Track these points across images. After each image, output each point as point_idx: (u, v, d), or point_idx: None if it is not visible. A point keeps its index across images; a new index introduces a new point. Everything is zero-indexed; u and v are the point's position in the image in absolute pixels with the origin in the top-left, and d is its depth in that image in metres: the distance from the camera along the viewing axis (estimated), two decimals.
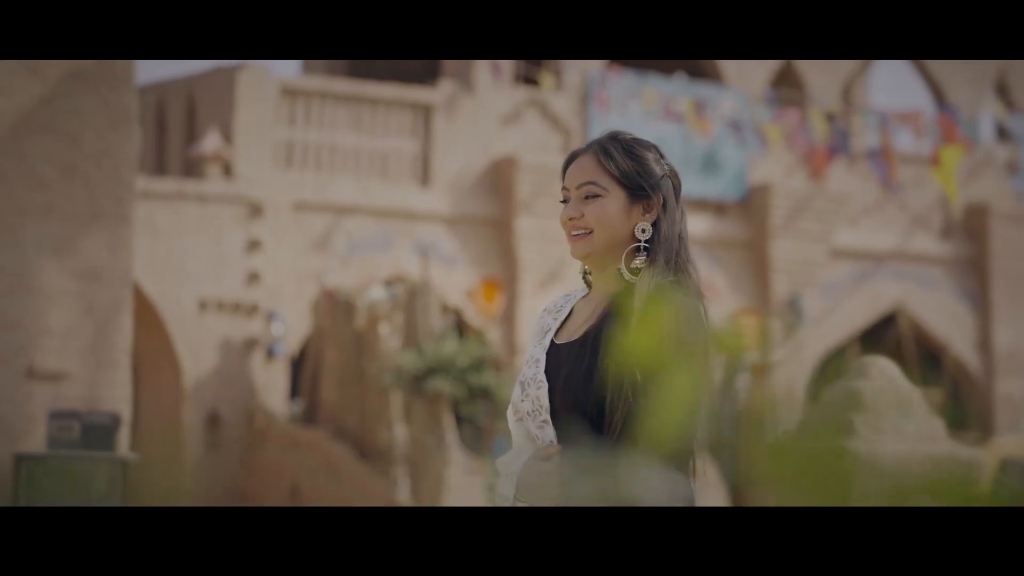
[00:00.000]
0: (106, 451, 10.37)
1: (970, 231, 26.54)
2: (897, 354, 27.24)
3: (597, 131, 23.20)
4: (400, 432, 17.96)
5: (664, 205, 3.62)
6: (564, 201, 3.66)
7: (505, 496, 3.59)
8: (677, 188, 3.67)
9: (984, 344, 26.59)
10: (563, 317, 3.70)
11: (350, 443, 18.64)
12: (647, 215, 3.61)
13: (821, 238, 24.79)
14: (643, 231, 3.59)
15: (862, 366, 6.88)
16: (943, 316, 26.41)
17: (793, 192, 24.54)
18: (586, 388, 3.48)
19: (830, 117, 22.95)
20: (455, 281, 22.07)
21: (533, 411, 3.57)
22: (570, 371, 3.53)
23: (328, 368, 19.76)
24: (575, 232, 3.61)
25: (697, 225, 24.20)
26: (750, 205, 24.71)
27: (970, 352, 26.45)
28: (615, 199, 3.59)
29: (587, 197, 3.60)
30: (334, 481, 18.32)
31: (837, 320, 25.60)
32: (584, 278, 3.72)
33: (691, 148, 24.20)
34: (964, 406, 26.55)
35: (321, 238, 21.44)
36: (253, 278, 20.61)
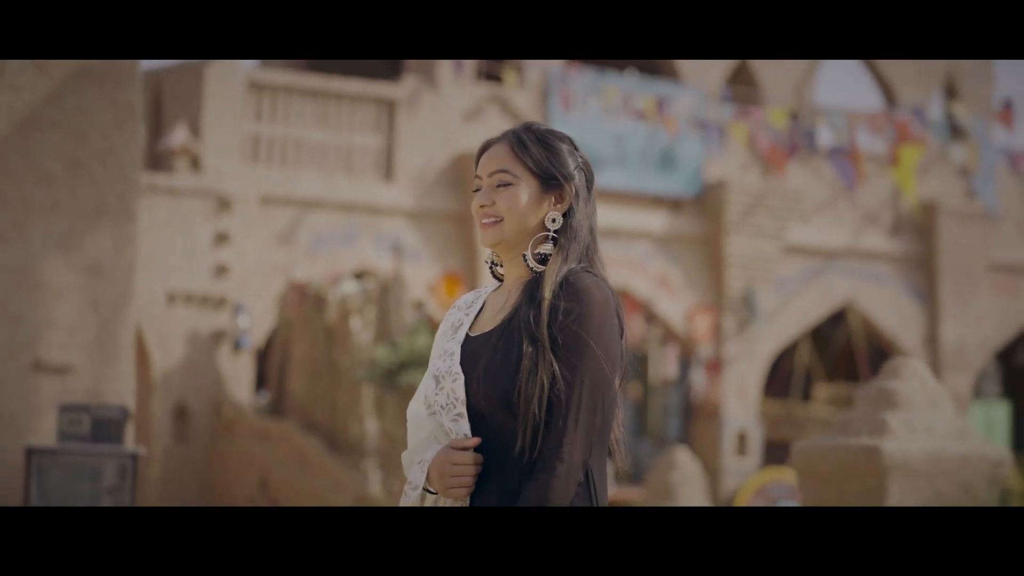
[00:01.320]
0: (115, 444, 10.49)
1: (919, 228, 26.93)
2: (847, 349, 27.68)
3: (557, 127, 23.41)
4: (371, 426, 18.10)
5: (576, 196, 3.60)
6: (477, 190, 3.64)
7: (415, 484, 3.56)
8: (590, 181, 3.66)
9: (931, 340, 27.00)
10: (475, 312, 3.68)
11: (320, 436, 18.76)
12: (558, 205, 3.59)
13: (775, 234, 25.10)
14: (553, 221, 3.58)
15: (895, 367, 7.09)
16: (892, 312, 26.80)
17: (748, 189, 24.82)
18: (515, 377, 3.44)
19: (793, 116, 23.24)
20: (418, 275, 22.23)
21: (448, 404, 3.54)
22: (488, 361, 3.50)
23: (297, 361, 19.86)
24: (485, 220, 3.59)
25: (653, 221, 24.47)
26: (706, 201, 24.97)
27: (918, 347, 26.84)
28: (527, 188, 3.58)
29: (499, 186, 3.59)
30: (304, 473, 18.42)
31: (789, 316, 25.92)
32: (492, 271, 3.71)
33: (649, 145, 24.45)
34: None
35: (286, 232, 21.55)
36: (221, 271, 20.69)
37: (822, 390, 27.14)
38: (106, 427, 10.48)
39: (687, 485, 14.06)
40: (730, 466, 24.29)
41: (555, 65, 23.89)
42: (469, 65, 23.33)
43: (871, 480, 6.78)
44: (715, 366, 24.95)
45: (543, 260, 3.56)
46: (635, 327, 24.43)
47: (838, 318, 27.32)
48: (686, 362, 25.14)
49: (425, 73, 23.19)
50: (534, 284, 3.54)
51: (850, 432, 6.93)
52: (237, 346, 20.60)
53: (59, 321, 11.10)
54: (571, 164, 3.61)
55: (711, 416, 24.95)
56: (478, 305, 3.69)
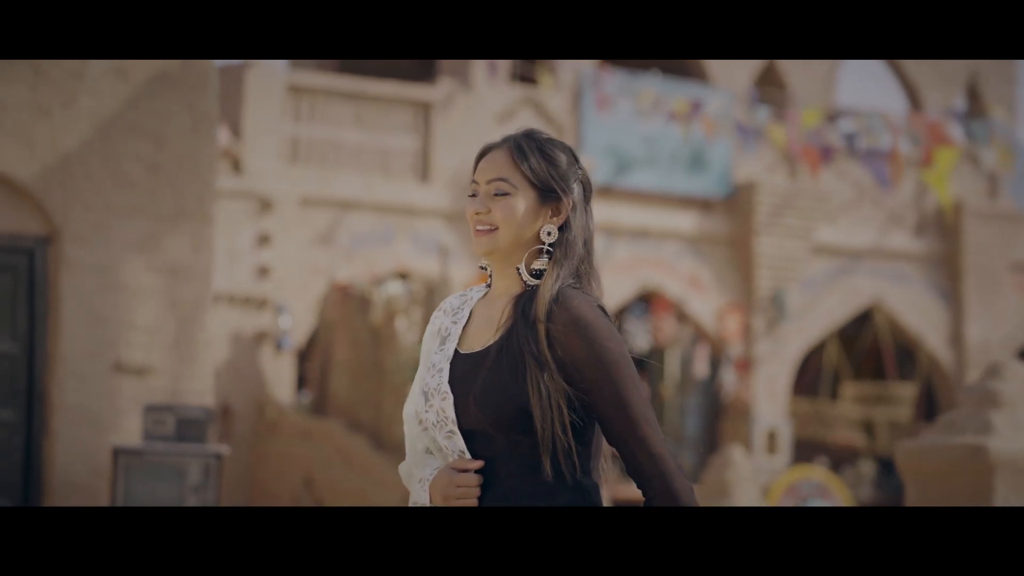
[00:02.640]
0: (199, 444, 10.68)
1: (943, 228, 27.07)
2: (874, 349, 27.84)
3: (590, 129, 23.62)
4: None
5: (574, 210, 3.54)
6: (473, 195, 3.59)
7: (419, 503, 3.54)
8: (588, 194, 3.59)
9: (956, 339, 27.14)
10: (462, 320, 3.60)
11: (364, 436, 18.89)
12: (555, 218, 3.53)
13: (803, 235, 25.26)
14: (548, 234, 3.51)
15: (996, 367, 7.26)
16: (917, 311, 26.94)
17: (777, 189, 24.99)
18: (526, 401, 3.37)
19: (829, 118, 23.38)
20: (455, 276, 22.37)
21: (438, 422, 3.47)
22: (487, 383, 3.43)
23: (340, 361, 19.99)
24: (480, 227, 3.52)
25: (683, 221, 24.65)
26: (735, 202, 25.14)
27: (943, 347, 26.99)
28: (524, 198, 3.51)
29: (496, 194, 3.52)
30: (349, 473, 18.55)
31: (817, 316, 26.07)
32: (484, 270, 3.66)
33: (679, 146, 24.62)
34: (937, 399, 27.15)
35: (325, 233, 21.73)
36: (263, 272, 20.87)
37: (849, 389, 27.33)
38: (190, 427, 10.68)
39: (741, 484, 14.22)
40: (760, 464, 24.45)
41: (588, 66, 24.06)
42: (503, 67, 23.50)
43: (978, 478, 6.91)
44: (745, 365, 25.12)
45: (537, 275, 3.51)
46: (666, 327, 24.62)
47: (864, 317, 27.46)
48: (716, 361, 25.30)
49: (459, 75, 23.36)
50: (527, 301, 3.48)
51: (955, 431, 7.06)
52: (279, 347, 20.76)
53: (139, 322, 11.29)
54: (571, 177, 3.55)
55: (741, 415, 25.12)
56: (465, 313, 3.63)
